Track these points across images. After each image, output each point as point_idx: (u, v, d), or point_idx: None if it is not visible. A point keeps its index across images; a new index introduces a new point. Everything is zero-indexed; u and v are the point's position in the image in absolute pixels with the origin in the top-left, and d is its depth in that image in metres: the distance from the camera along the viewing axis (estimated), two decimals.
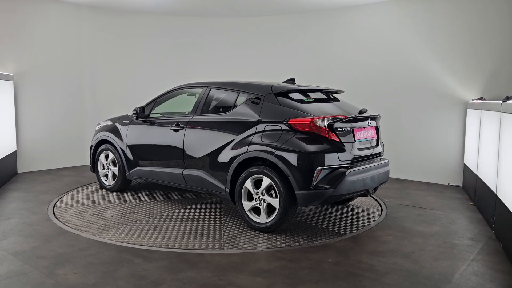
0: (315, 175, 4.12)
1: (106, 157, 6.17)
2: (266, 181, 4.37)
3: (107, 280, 3.26)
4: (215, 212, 5.22)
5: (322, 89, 5.11)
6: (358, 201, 5.83)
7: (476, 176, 5.67)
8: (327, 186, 4.16)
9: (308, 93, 5.00)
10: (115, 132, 6.03)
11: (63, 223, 4.66)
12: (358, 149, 4.52)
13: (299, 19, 8.56)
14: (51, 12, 7.79)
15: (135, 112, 5.74)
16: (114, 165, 6.05)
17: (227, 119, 4.83)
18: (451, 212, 5.41)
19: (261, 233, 4.43)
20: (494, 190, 4.57)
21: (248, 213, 4.55)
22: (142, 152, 5.71)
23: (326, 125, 4.26)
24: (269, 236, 4.35)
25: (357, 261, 3.75)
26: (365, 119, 4.74)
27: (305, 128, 4.26)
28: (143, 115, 5.71)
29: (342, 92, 5.37)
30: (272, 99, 4.59)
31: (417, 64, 7.27)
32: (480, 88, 6.71)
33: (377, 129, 4.96)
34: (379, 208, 5.57)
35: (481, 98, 6.47)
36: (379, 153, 4.97)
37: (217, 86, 5.24)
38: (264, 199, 4.43)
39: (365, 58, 7.83)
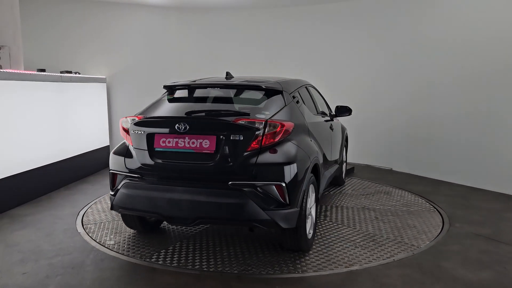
0: (110, 178, 3.85)
1: None
2: None
3: (43, 282, 3.24)
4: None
5: (222, 84, 4.16)
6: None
7: None
8: (112, 194, 3.81)
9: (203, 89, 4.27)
10: None
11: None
12: (158, 160, 3.56)
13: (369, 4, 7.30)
14: (139, 17, 8.38)
15: None
16: None
17: None
18: None
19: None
20: None
21: None
22: None
23: (126, 126, 3.83)
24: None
25: None
26: (173, 123, 3.50)
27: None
28: None
29: (259, 88, 3.93)
30: (162, 95, 4.32)
31: None
32: None
33: (219, 139, 3.39)
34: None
35: None
36: (222, 173, 3.39)
37: None
38: None
39: (459, 42, 6.19)
